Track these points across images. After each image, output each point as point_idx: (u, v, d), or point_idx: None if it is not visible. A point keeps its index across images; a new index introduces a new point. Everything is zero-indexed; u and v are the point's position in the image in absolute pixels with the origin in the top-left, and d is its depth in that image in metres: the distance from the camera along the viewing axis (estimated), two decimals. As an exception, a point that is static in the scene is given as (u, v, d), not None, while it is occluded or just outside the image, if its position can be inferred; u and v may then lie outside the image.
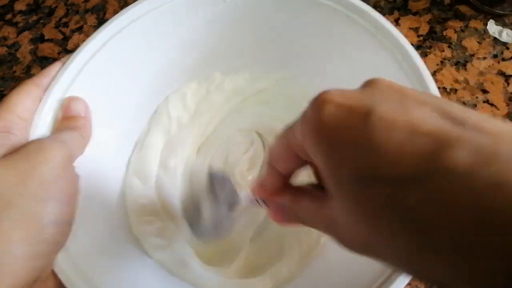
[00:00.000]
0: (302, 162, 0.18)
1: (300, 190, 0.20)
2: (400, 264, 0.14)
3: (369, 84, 0.16)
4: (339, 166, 0.15)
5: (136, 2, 0.31)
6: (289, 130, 0.18)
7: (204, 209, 0.28)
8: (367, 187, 0.14)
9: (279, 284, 0.31)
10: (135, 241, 0.32)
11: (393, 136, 0.13)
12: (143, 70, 0.34)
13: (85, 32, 0.48)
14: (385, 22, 0.29)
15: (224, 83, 0.39)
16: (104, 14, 0.49)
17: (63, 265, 0.24)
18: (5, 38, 0.48)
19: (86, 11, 0.50)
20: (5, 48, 0.48)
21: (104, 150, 0.32)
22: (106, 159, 0.32)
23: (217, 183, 0.28)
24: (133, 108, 0.35)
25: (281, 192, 0.20)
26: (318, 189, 0.18)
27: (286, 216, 0.20)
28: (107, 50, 0.30)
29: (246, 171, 0.37)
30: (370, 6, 0.29)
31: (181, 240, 0.33)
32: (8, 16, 0.50)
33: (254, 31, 0.35)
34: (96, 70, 0.30)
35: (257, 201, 0.23)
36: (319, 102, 0.15)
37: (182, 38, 0.34)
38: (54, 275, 0.24)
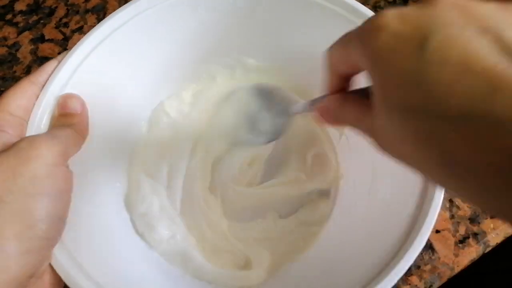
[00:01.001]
0: (359, 68, 0.18)
1: (350, 94, 0.20)
2: (429, 178, 0.16)
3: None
4: (390, 93, 0.15)
5: (133, 1, 0.31)
6: (346, 41, 0.18)
7: (260, 117, 0.30)
8: (412, 118, 0.14)
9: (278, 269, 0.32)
10: (136, 234, 0.32)
11: (444, 72, 0.13)
12: (140, 68, 0.34)
13: (85, 32, 0.48)
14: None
15: (218, 80, 0.39)
16: (104, 14, 0.49)
17: (61, 260, 0.24)
18: (5, 38, 0.49)
19: (86, 11, 0.50)
20: (5, 48, 0.48)
21: (103, 147, 0.32)
22: (105, 156, 0.32)
23: (270, 94, 0.30)
24: (131, 108, 0.35)
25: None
26: (365, 96, 0.19)
27: (332, 118, 0.22)
28: (104, 47, 0.30)
29: (247, 165, 0.37)
30: (370, 6, 0.30)
31: (184, 232, 0.34)
32: (9, 16, 0.50)
33: (250, 27, 0.35)
34: (93, 68, 0.30)
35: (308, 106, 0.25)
36: (375, 27, 0.15)
37: (177, 37, 0.34)
38: (51, 270, 0.24)
